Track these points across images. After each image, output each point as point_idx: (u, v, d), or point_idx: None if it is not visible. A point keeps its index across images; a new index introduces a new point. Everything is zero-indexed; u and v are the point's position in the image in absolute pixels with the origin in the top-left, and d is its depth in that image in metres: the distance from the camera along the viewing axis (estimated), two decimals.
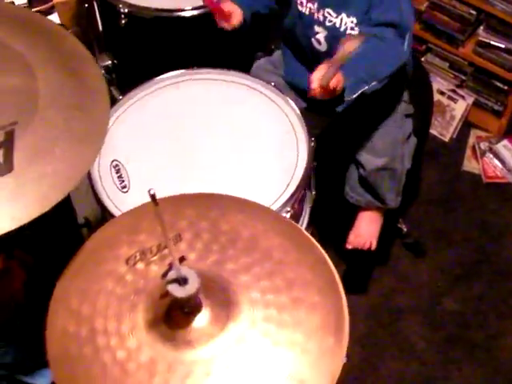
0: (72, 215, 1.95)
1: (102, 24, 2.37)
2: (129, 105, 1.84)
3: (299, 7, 1.86)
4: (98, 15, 2.36)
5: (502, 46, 2.58)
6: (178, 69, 1.91)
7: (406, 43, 1.72)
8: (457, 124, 2.83)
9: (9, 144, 1.10)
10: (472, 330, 2.31)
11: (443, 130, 2.84)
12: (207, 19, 1.93)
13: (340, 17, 1.79)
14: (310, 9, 1.83)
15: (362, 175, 1.99)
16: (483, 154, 2.76)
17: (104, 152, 1.69)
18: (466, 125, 2.85)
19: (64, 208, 1.83)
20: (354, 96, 1.66)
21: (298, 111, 1.79)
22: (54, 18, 2.29)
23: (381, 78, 1.70)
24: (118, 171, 1.69)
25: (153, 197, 0.90)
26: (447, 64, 2.83)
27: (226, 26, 1.85)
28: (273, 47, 2.24)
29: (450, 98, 2.82)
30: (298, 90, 2.02)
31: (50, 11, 2.31)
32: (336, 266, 1.13)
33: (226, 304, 1.07)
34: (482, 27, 2.63)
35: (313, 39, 1.89)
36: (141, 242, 1.16)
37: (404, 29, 1.71)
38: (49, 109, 1.16)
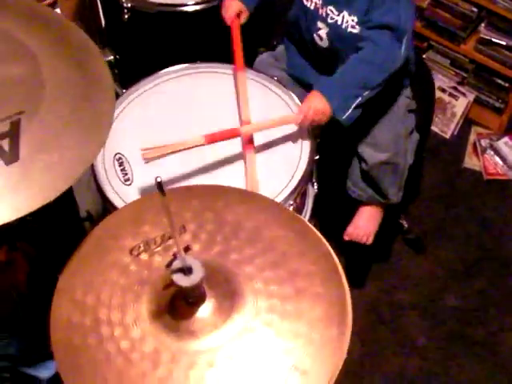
0: (74, 209, 1.96)
1: (105, 18, 2.37)
2: (131, 99, 1.84)
3: (304, 1, 1.86)
4: (101, 9, 2.36)
5: (504, 43, 2.58)
6: (180, 64, 1.91)
7: (403, 47, 1.71)
8: (458, 121, 2.83)
9: (15, 134, 1.11)
10: (472, 326, 2.31)
11: (444, 126, 2.84)
12: (210, 14, 1.93)
13: (342, 14, 1.79)
14: (316, 4, 1.83)
15: (365, 169, 1.99)
16: (484, 150, 2.76)
17: (107, 146, 1.70)
18: (467, 122, 2.85)
19: (67, 201, 1.83)
20: (356, 111, 1.69)
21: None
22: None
23: (374, 86, 1.71)
24: (121, 164, 1.69)
25: (159, 184, 0.90)
26: (448, 61, 2.82)
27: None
28: (275, 43, 2.24)
29: (451, 95, 2.82)
30: (301, 84, 2.02)
31: (52, 6, 2.31)
32: None
33: (229, 295, 1.07)
34: (483, 24, 2.63)
35: (315, 35, 1.89)
36: (145, 232, 1.17)
37: (402, 32, 1.70)
38: (55, 99, 1.17)
